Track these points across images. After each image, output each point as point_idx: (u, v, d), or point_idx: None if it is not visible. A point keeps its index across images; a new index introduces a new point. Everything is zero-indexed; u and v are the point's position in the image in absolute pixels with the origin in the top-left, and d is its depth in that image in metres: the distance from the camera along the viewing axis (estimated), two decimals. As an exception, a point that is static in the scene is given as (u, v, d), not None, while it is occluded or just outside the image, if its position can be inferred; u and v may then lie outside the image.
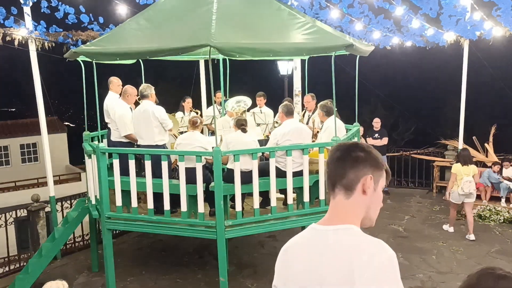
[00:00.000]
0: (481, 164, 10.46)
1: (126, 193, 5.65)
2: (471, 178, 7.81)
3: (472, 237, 7.89)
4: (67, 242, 7.85)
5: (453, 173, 8.04)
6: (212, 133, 7.89)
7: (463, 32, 8.99)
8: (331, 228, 1.61)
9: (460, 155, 8.20)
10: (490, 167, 9.61)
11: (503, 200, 9.18)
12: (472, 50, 10.02)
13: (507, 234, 8.16)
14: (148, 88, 6.28)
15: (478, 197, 9.47)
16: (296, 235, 1.76)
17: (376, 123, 10.78)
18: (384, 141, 10.61)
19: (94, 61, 5.62)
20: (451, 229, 8.27)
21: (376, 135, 10.68)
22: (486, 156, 10.50)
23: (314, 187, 5.73)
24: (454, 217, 8.23)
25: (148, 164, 5.48)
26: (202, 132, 8.36)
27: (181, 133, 6.99)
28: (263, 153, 6.18)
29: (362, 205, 1.67)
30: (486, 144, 10.63)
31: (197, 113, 7.98)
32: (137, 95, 6.72)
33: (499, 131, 11.01)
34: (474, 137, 10.81)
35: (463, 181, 7.82)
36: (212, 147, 5.66)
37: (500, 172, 9.37)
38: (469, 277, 1.82)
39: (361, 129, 10.02)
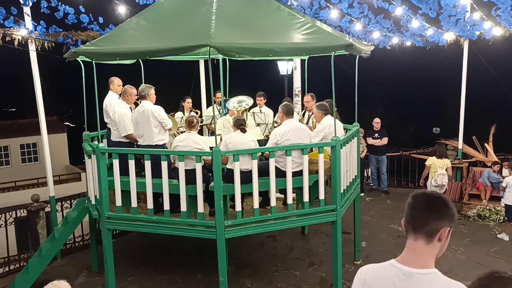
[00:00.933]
0: (481, 164, 10.47)
1: (126, 193, 5.65)
2: (444, 171, 8.46)
3: None
4: (67, 242, 7.86)
5: (427, 166, 8.82)
6: (212, 133, 7.89)
7: (463, 32, 9.00)
8: (420, 272, 1.93)
9: (436, 149, 8.88)
10: (490, 167, 9.61)
11: (502, 200, 9.18)
12: (472, 50, 10.03)
13: (506, 234, 8.16)
14: (146, 88, 6.28)
15: (478, 196, 9.48)
16: (374, 267, 2.05)
17: (376, 123, 10.78)
18: (384, 141, 10.61)
19: (93, 61, 5.62)
20: None
21: (376, 135, 10.67)
22: (486, 156, 10.50)
23: (314, 187, 5.73)
24: None
25: (148, 164, 5.48)
26: (202, 132, 8.40)
27: (181, 132, 6.99)
28: (262, 153, 6.18)
29: (437, 249, 2.01)
30: (486, 144, 10.63)
31: (197, 113, 7.99)
32: (137, 95, 6.72)
33: (498, 130, 11.01)
34: (474, 137, 10.81)
35: (437, 174, 8.45)
36: (210, 147, 5.66)
37: (500, 172, 9.37)
38: (479, 279, 1.96)
39: (362, 130, 10.03)
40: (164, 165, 5.41)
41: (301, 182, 5.60)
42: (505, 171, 9.35)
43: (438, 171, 8.46)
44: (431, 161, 8.68)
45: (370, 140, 10.67)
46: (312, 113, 7.64)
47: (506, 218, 8.00)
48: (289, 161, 5.49)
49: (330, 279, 6.18)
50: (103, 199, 5.64)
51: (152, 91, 6.29)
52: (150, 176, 5.49)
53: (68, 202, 8.40)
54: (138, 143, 6.29)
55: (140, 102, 6.49)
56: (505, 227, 8.03)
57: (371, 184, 11.34)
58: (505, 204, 7.94)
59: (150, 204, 5.54)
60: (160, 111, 6.16)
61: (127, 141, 6.52)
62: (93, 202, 6.31)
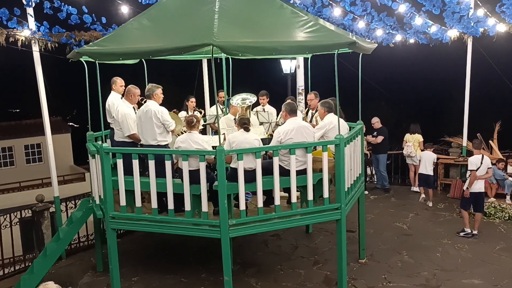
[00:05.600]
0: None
1: (130, 193, 5.66)
2: (410, 143, 10.45)
3: (415, 188, 10.57)
4: (72, 242, 7.88)
5: (404, 140, 10.72)
6: (216, 132, 7.88)
7: (467, 28, 8.96)
8: None
9: (410, 126, 10.75)
10: (495, 164, 9.56)
11: (508, 197, 9.14)
12: (476, 47, 9.98)
13: (512, 231, 8.13)
14: (152, 88, 6.27)
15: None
16: None
17: (373, 123, 10.71)
18: (378, 139, 10.52)
19: (97, 61, 5.62)
20: (415, 188, 10.57)
21: (375, 133, 10.64)
22: (491, 153, 10.45)
23: (318, 185, 5.71)
24: (412, 177, 10.80)
25: (151, 164, 5.48)
26: (205, 131, 8.39)
27: (184, 132, 6.98)
28: (266, 152, 6.17)
29: None
30: (490, 141, 10.58)
31: (200, 112, 7.99)
32: (140, 95, 6.72)
33: (503, 127, 10.95)
34: (478, 134, 10.76)
35: (405, 145, 10.57)
36: (214, 147, 5.65)
37: (505, 169, 9.32)
38: None
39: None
40: (168, 164, 5.41)
41: (305, 181, 5.59)
42: (510, 168, 9.32)
43: (407, 143, 10.50)
44: (406, 137, 10.67)
45: (369, 138, 10.63)
46: (316, 111, 7.63)
47: (418, 185, 10.13)
48: (293, 159, 5.48)
49: (335, 277, 6.17)
50: (108, 199, 5.65)
51: (157, 91, 6.28)
52: (154, 176, 5.50)
53: (73, 202, 8.41)
54: (141, 143, 6.29)
55: (143, 102, 6.49)
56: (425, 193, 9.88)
57: (375, 182, 11.32)
58: (419, 173, 9.84)
59: (154, 204, 5.54)
60: (163, 112, 6.14)
61: (131, 141, 6.52)
62: (98, 202, 6.32)
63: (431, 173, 9.68)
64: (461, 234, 7.92)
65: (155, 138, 6.10)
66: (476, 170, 7.76)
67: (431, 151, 9.81)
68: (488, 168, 7.92)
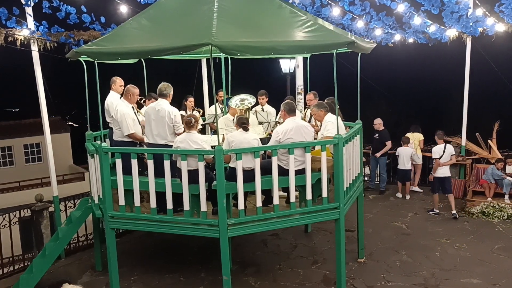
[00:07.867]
0: (484, 161, 10.44)
1: (129, 192, 5.66)
2: (411, 142, 10.83)
3: (415, 188, 10.78)
4: (71, 242, 7.89)
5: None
6: (215, 132, 7.88)
7: (466, 28, 8.97)
8: None
9: (411, 126, 11.40)
10: (494, 163, 9.57)
11: (506, 196, 9.15)
12: (475, 46, 9.99)
13: (510, 231, 8.14)
14: (168, 88, 6.25)
15: (482, 193, 9.46)
16: None
17: (376, 124, 10.66)
18: (388, 146, 10.45)
19: (96, 61, 5.62)
20: (415, 188, 10.80)
21: (376, 135, 10.59)
22: (490, 153, 10.46)
23: (317, 185, 5.72)
24: (412, 177, 10.88)
25: (150, 163, 5.48)
26: (204, 130, 8.39)
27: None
28: (265, 151, 6.17)
29: None
30: (489, 141, 10.59)
31: (199, 112, 7.99)
32: (139, 95, 6.71)
33: (502, 127, 10.96)
34: (477, 134, 10.76)
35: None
36: (212, 146, 5.65)
37: (504, 169, 9.33)
38: None
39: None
40: (167, 164, 5.41)
41: (304, 180, 5.60)
42: (509, 168, 9.33)
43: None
44: (407, 135, 10.94)
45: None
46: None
47: (398, 180, 10.57)
48: (292, 159, 5.49)
49: (334, 277, 6.18)
50: (106, 199, 5.65)
51: (172, 91, 6.28)
52: (153, 175, 5.50)
53: (72, 201, 8.41)
54: (146, 141, 6.26)
55: (143, 102, 6.49)
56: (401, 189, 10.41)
57: (376, 182, 11.32)
58: (398, 169, 10.43)
59: (153, 203, 5.54)
60: (176, 114, 6.12)
61: (130, 140, 6.52)
62: (97, 201, 6.32)
63: (410, 167, 10.38)
64: (431, 213, 9.15)
65: (165, 138, 6.08)
66: (439, 158, 8.88)
67: (407, 147, 10.35)
68: (452, 155, 8.99)
